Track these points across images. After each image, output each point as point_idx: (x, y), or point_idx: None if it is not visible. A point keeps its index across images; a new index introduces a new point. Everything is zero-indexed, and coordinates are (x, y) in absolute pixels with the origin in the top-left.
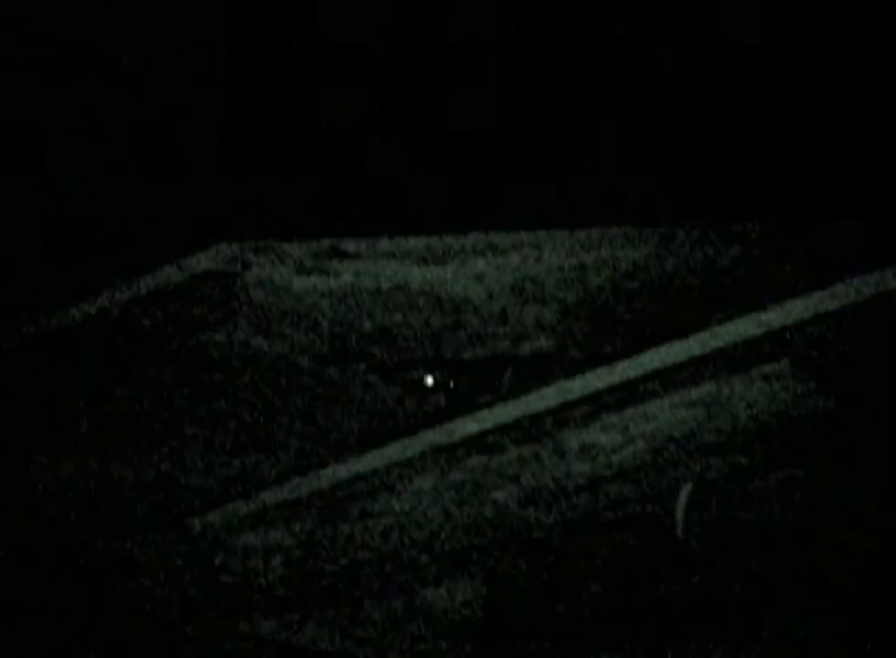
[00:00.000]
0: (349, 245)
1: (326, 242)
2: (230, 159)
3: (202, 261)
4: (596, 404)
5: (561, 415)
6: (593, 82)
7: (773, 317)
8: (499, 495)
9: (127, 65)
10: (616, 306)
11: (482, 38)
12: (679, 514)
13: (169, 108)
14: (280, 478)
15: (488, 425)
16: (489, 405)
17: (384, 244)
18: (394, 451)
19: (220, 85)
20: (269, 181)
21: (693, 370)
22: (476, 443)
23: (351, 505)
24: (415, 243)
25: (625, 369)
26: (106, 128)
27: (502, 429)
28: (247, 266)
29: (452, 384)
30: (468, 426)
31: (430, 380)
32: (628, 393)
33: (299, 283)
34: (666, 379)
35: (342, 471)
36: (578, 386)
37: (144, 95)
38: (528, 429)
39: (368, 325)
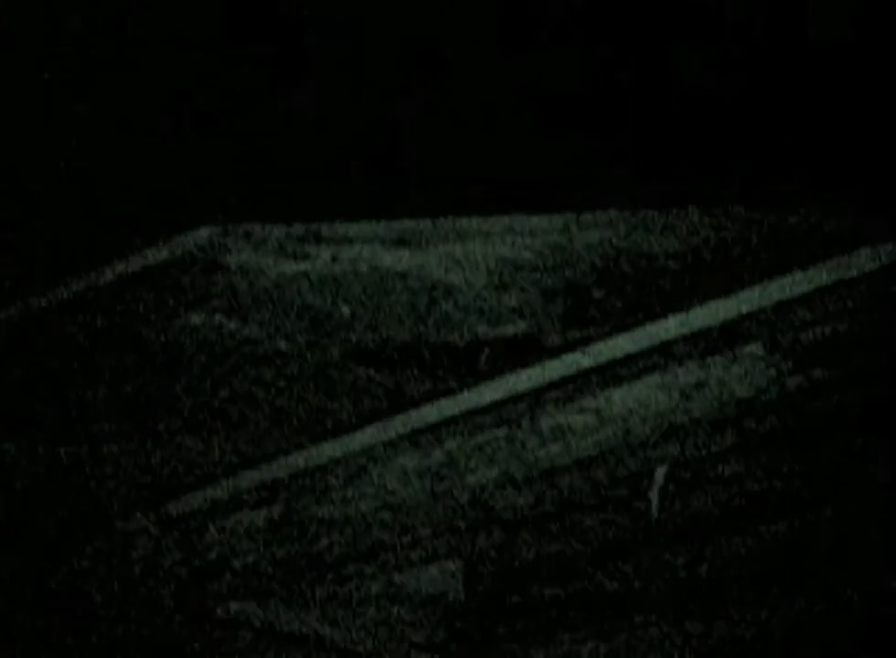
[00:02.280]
0: (327, 229)
1: (305, 227)
2: (211, 142)
3: (181, 245)
4: (572, 387)
5: (538, 397)
6: (577, 66)
7: (749, 300)
8: (476, 477)
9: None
10: (593, 290)
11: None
12: (654, 496)
13: (155, 91)
14: (257, 461)
15: (465, 407)
16: (467, 387)
17: (362, 228)
18: (371, 434)
19: (209, 69)
20: (248, 165)
21: (668, 353)
22: (454, 426)
23: (328, 488)
24: (393, 227)
25: (601, 353)
26: (89, 111)
27: (479, 412)
28: (226, 250)
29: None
30: (445, 408)
31: (411, 377)
32: (603, 376)
33: (278, 267)
34: (641, 362)
35: (319, 453)
36: (554, 369)
37: (134, 80)
38: (504, 411)
39: (345, 309)
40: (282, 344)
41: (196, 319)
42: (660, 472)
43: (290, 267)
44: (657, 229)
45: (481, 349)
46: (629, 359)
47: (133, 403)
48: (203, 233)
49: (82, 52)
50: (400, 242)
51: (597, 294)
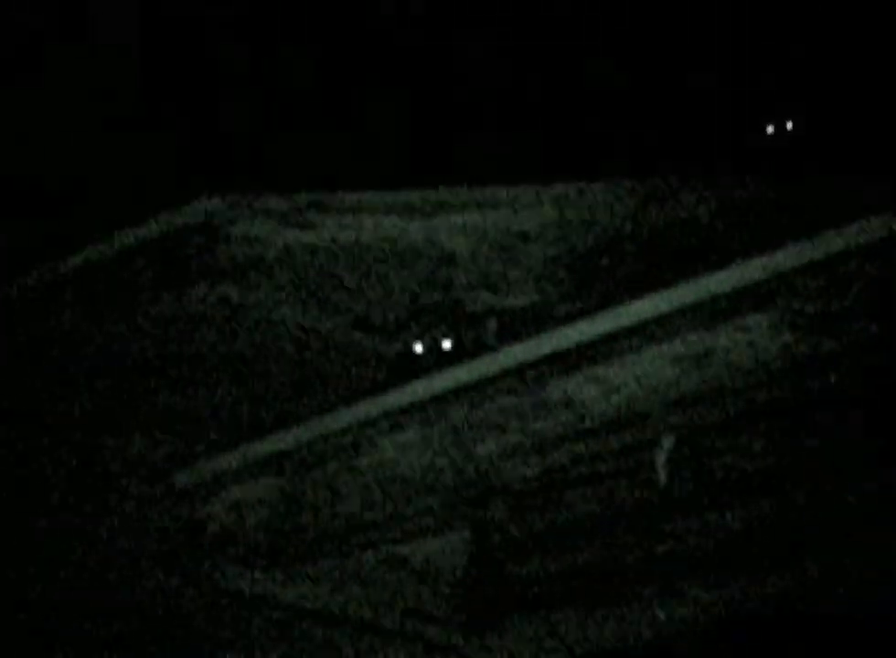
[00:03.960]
0: (332, 199)
1: (309, 196)
2: (214, 115)
3: (184, 215)
4: (578, 357)
5: (544, 368)
6: (579, 33)
7: (757, 268)
8: (483, 447)
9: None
10: (600, 260)
11: None
12: (661, 466)
13: (151, 65)
14: (262, 432)
15: (472, 378)
16: (473, 358)
17: (367, 198)
18: (377, 404)
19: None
20: (254, 135)
21: (675, 322)
22: (460, 396)
23: (335, 458)
24: (398, 197)
25: (607, 322)
26: (91, 84)
27: (486, 382)
28: (230, 220)
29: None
30: (451, 379)
31: (418, 347)
32: (610, 346)
33: (282, 237)
34: (648, 332)
35: (325, 424)
36: (561, 339)
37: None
38: (510, 381)
39: (350, 279)
40: (287, 315)
41: (200, 290)
42: (667, 442)
43: (294, 237)
44: (663, 199)
45: (487, 319)
46: (635, 329)
47: (137, 375)
48: (206, 203)
49: None
50: (406, 212)
51: (604, 264)
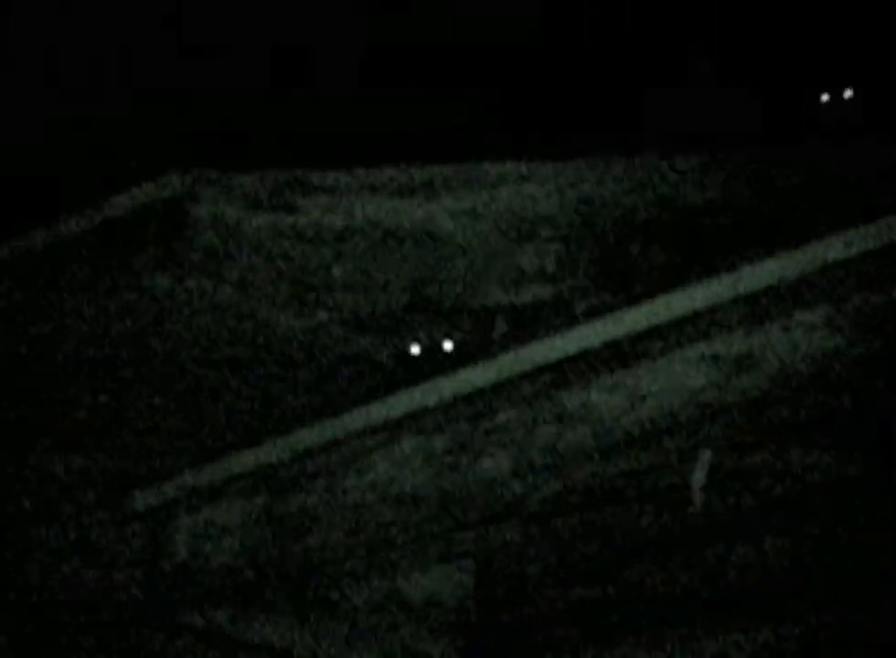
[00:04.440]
0: (315, 177)
1: (289, 173)
2: (182, 82)
3: (145, 194)
4: (600, 360)
5: (560, 373)
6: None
7: (806, 259)
8: (489, 465)
9: None
10: (625, 247)
11: None
12: (696, 487)
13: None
14: (235, 446)
15: (477, 384)
16: (478, 361)
17: (357, 176)
18: (367, 415)
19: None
20: (224, 102)
21: (714, 320)
22: (464, 404)
23: (318, 477)
24: (393, 175)
25: (634, 320)
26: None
27: (492, 389)
28: (196, 200)
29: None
30: (454, 385)
31: (415, 349)
32: (637, 348)
33: (256, 221)
34: (681, 332)
35: (308, 437)
36: (580, 339)
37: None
38: (522, 388)
39: (337, 270)
40: (264, 311)
41: (162, 281)
42: (703, 459)
43: (273, 220)
44: (699, 179)
45: (495, 316)
46: (666, 328)
47: (86, 379)
48: (171, 181)
49: None
50: (402, 192)
51: (630, 252)
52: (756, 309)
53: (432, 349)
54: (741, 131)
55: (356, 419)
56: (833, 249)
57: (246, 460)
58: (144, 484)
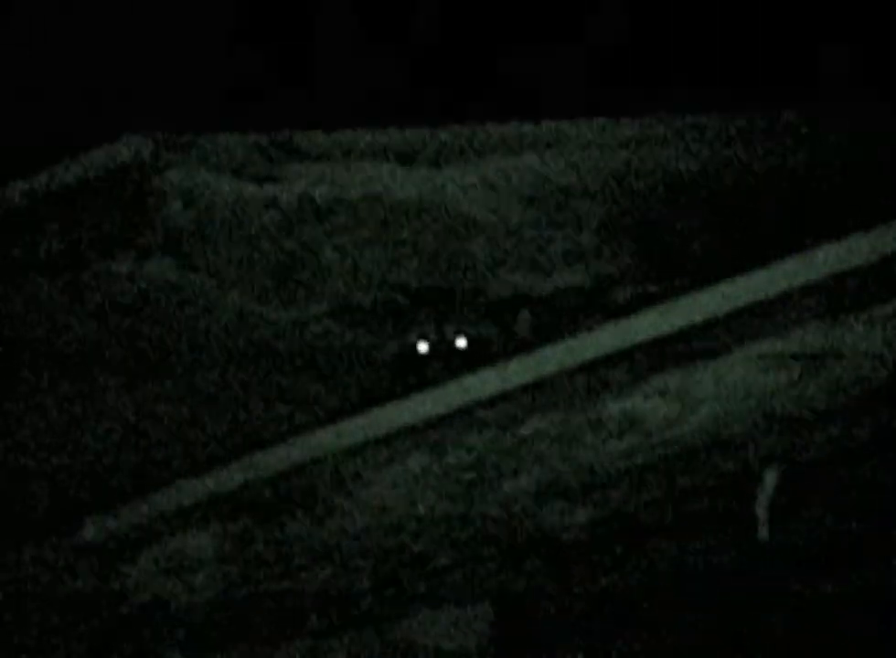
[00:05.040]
0: (304, 140)
1: (273, 136)
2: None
3: (97, 161)
4: (645, 360)
5: (597, 375)
6: None
7: (888, 241)
8: (512, 486)
9: None
10: (675, 226)
11: None
12: (761, 511)
13: None
14: (206, 463)
15: (497, 389)
16: (497, 362)
17: (353, 139)
18: (368, 425)
19: None
20: (196, 49)
21: (779, 313)
22: (480, 415)
23: (305, 500)
24: (397, 138)
25: (686, 312)
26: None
27: (515, 395)
28: (160, 168)
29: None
30: (470, 390)
31: (422, 346)
32: (690, 345)
33: (232, 193)
34: (743, 326)
35: (293, 452)
36: (620, 335)
37: None
38: (552, 393)
39: (328, 252)
40: (241, 302)
41: (118, 265)
42: (769, 478)
43: (252, 192)
44: (762, 143)
45: (519, 308)
46: (725, 321)
47: (24, 384)
48: (132, 144)
49: None
50: (406, 159)
51: (679, 231)
52: (831, 300)
53: (442, 347)
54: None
55: (352, 430)
56: None
57: (220, 479)
58: (97, 509)
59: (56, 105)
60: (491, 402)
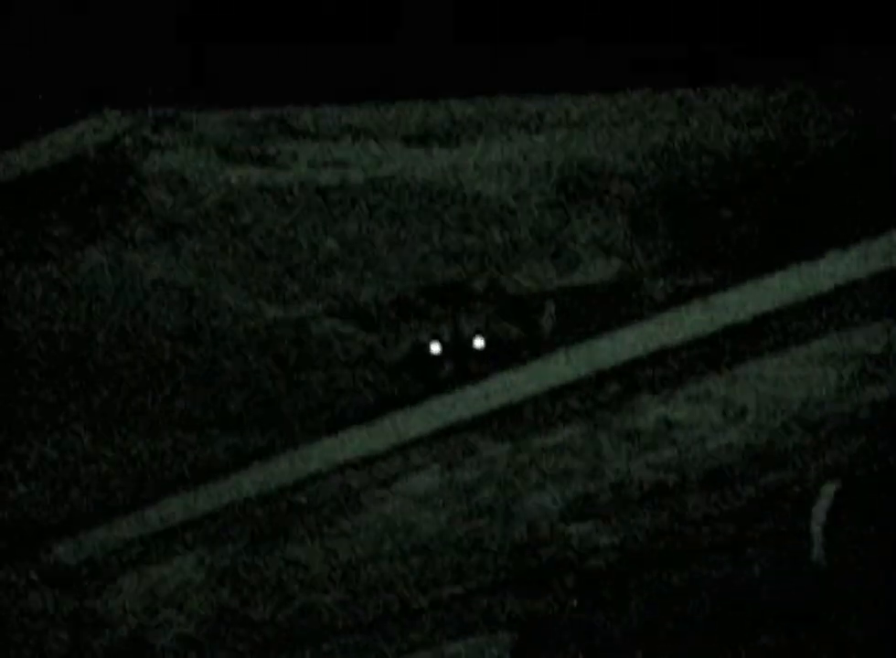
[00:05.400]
0: (304, 117)
1: (266, 113)
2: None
3: (74, 140)
4: (685, 362)
5: (631, 379)
6: None
7: None
8: (534, 504)
9: None
10: (715, 211)
11: None
12: (816, 529)
13: None
14: (194, 479)
15: (517, 395)
16: (519, 364)
17: (358, 116)
18: (374, 436)
19: None
20: (182, 29)
21: (833, 311)
22: (499, 423)
23: (303, 520)
24: (406, 115)
25: (731, 308)
26: None
27: (539, 402)
28: (143, 148)
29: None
30: (485, 396)
31: (435, 347)
32: (732, 346)
33: (223, 176)
34: (798, 322)
35: (289, 467)
36: (657, 334)
37: None
38: (578, 400)
39: (331, 242)
40: (234, 298)
41: (96, 255)
42: (826, 494)
43: (246, 176)
44: (811, 117)
45: (543, 304)
46: (772, 320)
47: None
48: (112, 121)
49: None
50: (418, 138)
51: (723, 216)
52: (892, 294)
53: (457, 348)
54: None
55: (355, 441)
56: None
57: (209, 496)
58: (70, 532)
59: (21, 82)
60: (511, 410)
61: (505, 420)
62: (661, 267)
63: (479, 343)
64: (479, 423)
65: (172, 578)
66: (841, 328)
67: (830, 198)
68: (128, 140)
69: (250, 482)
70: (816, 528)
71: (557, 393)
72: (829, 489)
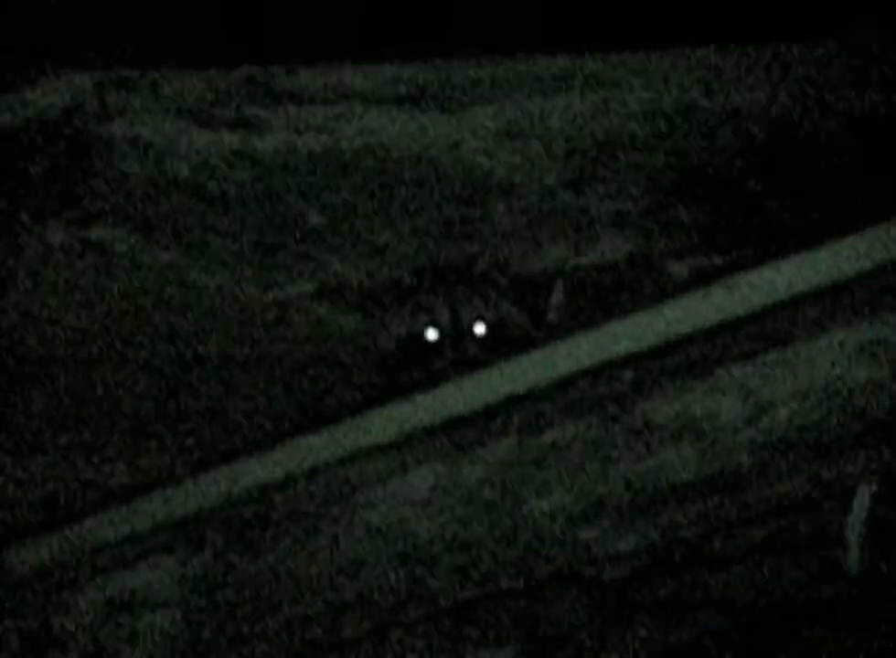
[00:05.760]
0: (286, 80)
1: (247, 72)
2: None
3: (31, 104)
4: (707, 349)
5: (647, 368)
6: None
7: None
8: (541, 506)
9: None
10: (741, 184)
11: None
12: (852, 538)
13: None
14: (168, 477)
15: (521, 386)
16: (524, 351)
17: (343, 78)
18: (365, 430)
19: None
20: None
21: (872, 294)
22: (502, 417)
23: (291, 521)
24: (395, 76)
25: (756, 292)
26: None
27: (545, 393)
28: (108, 113)
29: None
30: (490, 387)
31: (431, 333)
32: (760, 331)
33: (197, 144)
34: (827, 309)
35: (273, 463)
36: (676, 318)
37: None
38: (590, 391)
39: (318, 218)
40: (211, 279)
41: (54, 234)
42: (863, 498)
43: (221, 145)
44: (847, 78)
45: (551, 285)
46: (805, 303)
47: None
48: (73, 83)
49: None
50: (409, 102)
51: (750, 189)
52: None
53: (455, 335)
54: None
55: (345, 436)
56: None
57: (184, 497)
58: (27, 534)
59: None
60: (515, 402)
61: (508, 414)
62: (682, 245)
63: (480, 329)
64: (480, 418)
65: (143, 587)
66: (878, 313)
67: (868, 173)
68: (90, 104)
69: (225, 482)
70: (851, 535)
71: (566, 384)
72: (866, 491)
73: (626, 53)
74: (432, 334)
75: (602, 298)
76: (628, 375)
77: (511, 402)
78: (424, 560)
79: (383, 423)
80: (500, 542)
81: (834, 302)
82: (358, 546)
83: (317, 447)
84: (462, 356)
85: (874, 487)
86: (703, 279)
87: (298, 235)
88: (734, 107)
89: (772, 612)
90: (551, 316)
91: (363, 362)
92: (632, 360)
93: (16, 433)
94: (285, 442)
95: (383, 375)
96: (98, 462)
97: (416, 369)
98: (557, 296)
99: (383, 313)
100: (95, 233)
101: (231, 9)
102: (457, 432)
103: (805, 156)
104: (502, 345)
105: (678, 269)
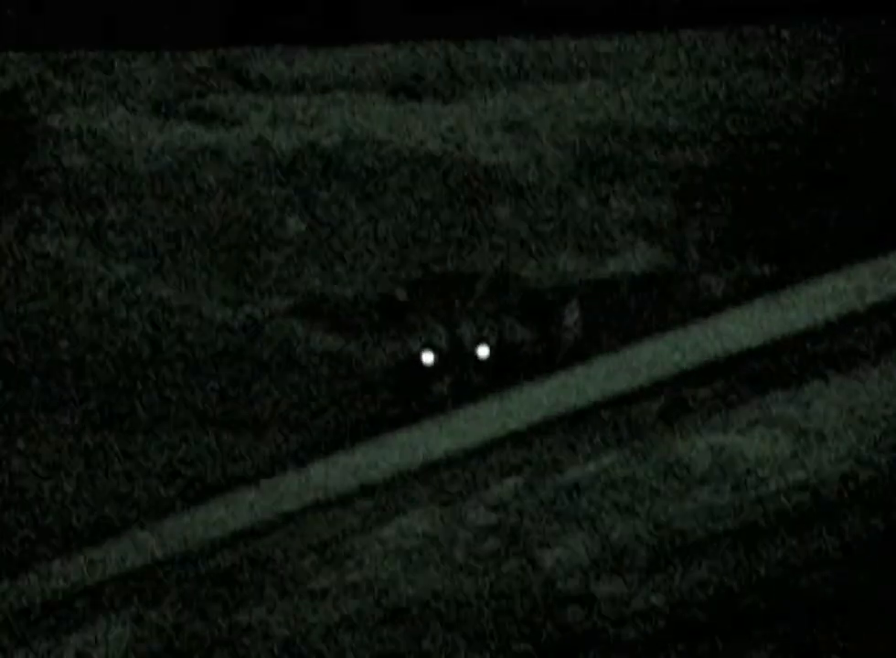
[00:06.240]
0: (258, 64)
1: (213, 56)
2: None
3: None
4: (743, 376)
5: (676, 397)
6: None
7: None
8: (553, 558)
9: None
10: (784, 186)
11: None
12: None
13: None
14: (122, 525)
15: (530, 418)
16: (536, 378)
17: (323, 64)
18: (350, 469)
19: None
20: None
21: None
22: (511, 453)
23: (264, 575)
24: (383, 62)
25: (801, 310)
26: None
27: (558, 425)
28: (53, 102)
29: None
30: (496, 419)
31: (427, 356)
32: (805, 355)
33: (157, 138)
34: (879, 327)
35: (247, 507)
36: (708, 341)
37: None
38: (610, 423)
39: (296, 224)
40: (173, 294)
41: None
42: None
43: (182, 136)
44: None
45: (565, 301)
46: (857, 322)
47: None
48: (10, 66)
49: None
50: (400, 91)
51: (793, 195)
52: None
53: (455, 357)
54: None
55: (326, 476)
56: None
57: (140, 547)
58: None
59: None
60: (523, 437)
61: (516, 450)
62: (716, 256)
63: (483, 352)
64: (483, 454)
65: (93, 647)
66: None
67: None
68: (33, 89)
69: (193, 527)
70: None
71: (582, 416)
72: None
73: (651, 33)
74: (427, 358)
75: (623, 316)
76: (654, 405)
77: (518, 437)
78: (416, 619)
79: (372, 460)
80: (504, 599)
81: (891, 321)
82: (344, 602)
83: (296, 488)
84: (462, 384)
85: None
86: (740, 295)
87: (273, 243)
88: (777, 101)
89: None
90: (566, 337)
91: (346, 390)
92: (659, 388)
93: None
94: (259, 483)
95: (370, 405)
96: (50, 506)
97: (409, 399)
98: (572, 314)
99: (371, 332)
100: (40, 242)
101: None
102: (456, 472)
103: (858, 155)
104: (508, 371)
105: (712, 283)
